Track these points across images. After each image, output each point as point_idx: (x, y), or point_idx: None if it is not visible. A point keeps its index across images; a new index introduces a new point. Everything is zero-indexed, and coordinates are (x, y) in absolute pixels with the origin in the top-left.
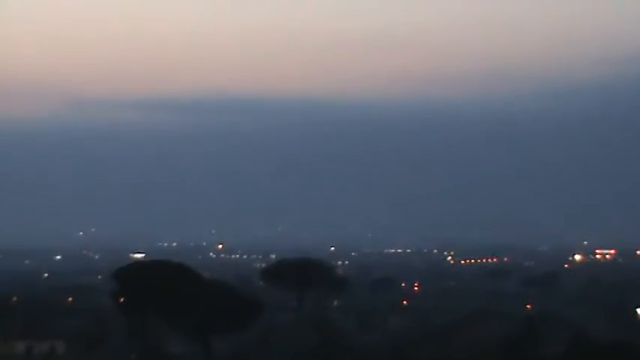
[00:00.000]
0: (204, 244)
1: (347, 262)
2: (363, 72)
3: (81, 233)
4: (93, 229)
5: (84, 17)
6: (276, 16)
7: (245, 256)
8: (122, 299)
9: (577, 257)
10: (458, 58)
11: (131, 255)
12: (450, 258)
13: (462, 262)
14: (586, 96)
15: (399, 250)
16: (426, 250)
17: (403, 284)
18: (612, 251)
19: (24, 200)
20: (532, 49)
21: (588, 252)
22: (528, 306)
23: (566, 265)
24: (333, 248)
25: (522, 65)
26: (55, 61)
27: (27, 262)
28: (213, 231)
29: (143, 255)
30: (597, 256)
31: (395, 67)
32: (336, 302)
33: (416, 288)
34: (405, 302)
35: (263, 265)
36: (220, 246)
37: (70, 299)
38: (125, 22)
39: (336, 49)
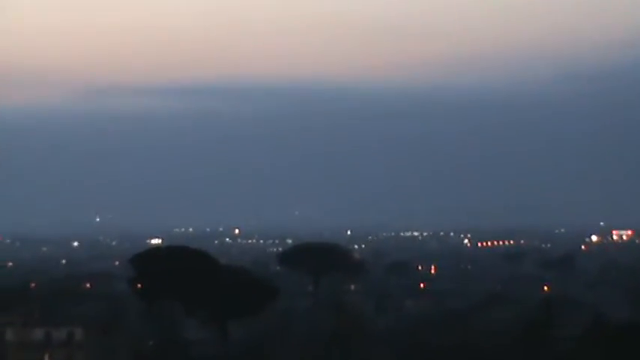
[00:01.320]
0: (221, 229)
1: (364, 246)
2: (377, 58)
3: (98, 219)
4: (110, 216)
5: (95, 6)
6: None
7: (262, 241)
8: (139, 285)
9: (594, 239)
10: (472, 42)
11: (148, 241)
12: (467, 241)
13: (479, 244)
14: (603, 78)
15: (416, 234)
16: (442, 234)
17: (420, 267)
18: (629, 232)
19: (41, 187)
20: (548, 32)
21: (605, 233)
22: (545, 289)
23: (582, 247)
24: (349, 232)
25: (538, 49)
26: (67, 50)
27: (44, 249)
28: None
29: (160, 241)
30: (614, 237)
31: (409, 52)
32: (352, 286)
33: (433, 271)
34: (421, 286)
35: (280, 249)
36: (237, 231)
37: (88, 285)
38: (137, 10)
39: (354, 34)
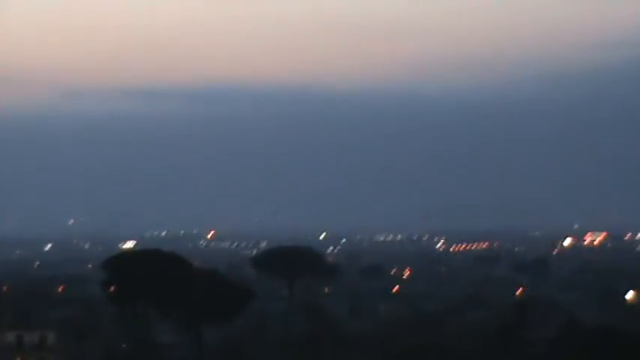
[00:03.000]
0: (195, 232)
1: (337, 249)
2: (360, 59)
3: (71, 222)
4: (83, 218)
5: (84, 7)
6: (283, 2)
7: (235, 244)
8: (112, 289)
9: (566, 242)
10: (452, 44)
11: (121, 244)
12: (441, 243)
13: (453, 248)
14: (577, 80)
15: (390, 237)
16: (416, 237)
17: (394, 271)
18: (603, 235)
19: (14, 189)
20: (526, 34)
21: (578, 236)
22: (518, 292)
23: (555, 250)
24: (323, 235)
25: (516, 51)
26: (53, 51)
27: (18, 251)
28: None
29: (133, 244)
30: (586, 241)
31: (385, 52)
32: (326, 289)
33: (406, 274)
34: (395, 289)
35: (254, 252)
36: (211, 233)
37: (61, 289)
38: (127, 12)
39: (340, 35)
